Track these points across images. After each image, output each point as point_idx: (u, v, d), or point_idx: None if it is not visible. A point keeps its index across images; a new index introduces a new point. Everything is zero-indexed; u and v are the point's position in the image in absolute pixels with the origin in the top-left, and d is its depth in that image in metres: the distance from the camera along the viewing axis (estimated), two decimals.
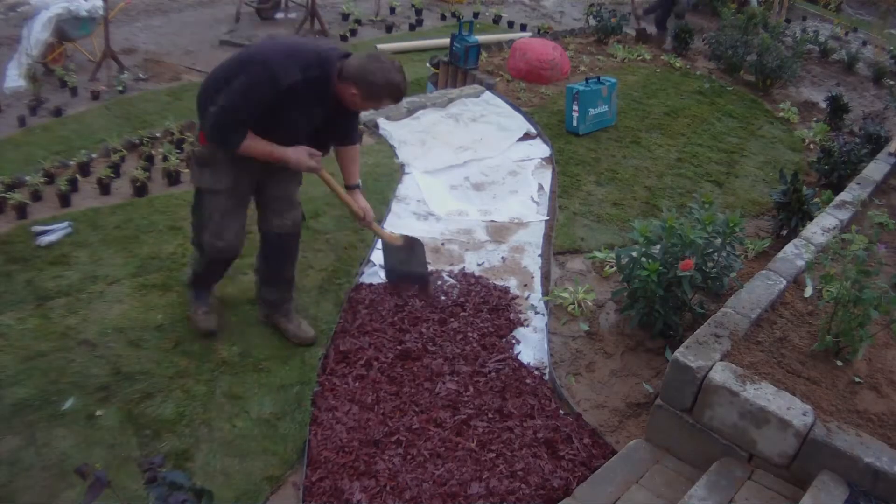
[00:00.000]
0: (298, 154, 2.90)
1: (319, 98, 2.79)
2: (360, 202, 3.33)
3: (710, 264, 3.48)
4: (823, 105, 7.46)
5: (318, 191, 4.80)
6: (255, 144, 2.82)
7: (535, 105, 6.59)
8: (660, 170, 5.56)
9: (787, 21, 10.89)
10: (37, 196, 4.61)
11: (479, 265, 4.21)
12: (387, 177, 5.11)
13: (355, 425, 2.95)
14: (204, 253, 3.12)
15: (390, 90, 2.77)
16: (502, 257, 4.32)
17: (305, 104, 2.78)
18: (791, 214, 4.50)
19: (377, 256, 4.17)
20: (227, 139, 2.79)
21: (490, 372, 3.34)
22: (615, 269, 3.88)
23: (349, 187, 3.30)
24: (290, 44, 2.90)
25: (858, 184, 4.68)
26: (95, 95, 6.81)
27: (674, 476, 2.73)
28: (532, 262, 4.30)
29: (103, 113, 6.49)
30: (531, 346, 3.57)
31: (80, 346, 3.24)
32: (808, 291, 3.32)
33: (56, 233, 4.09)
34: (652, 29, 9.25)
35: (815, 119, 7.13)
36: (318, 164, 2.97)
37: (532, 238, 4.56)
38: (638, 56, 8.29)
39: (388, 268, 3.86)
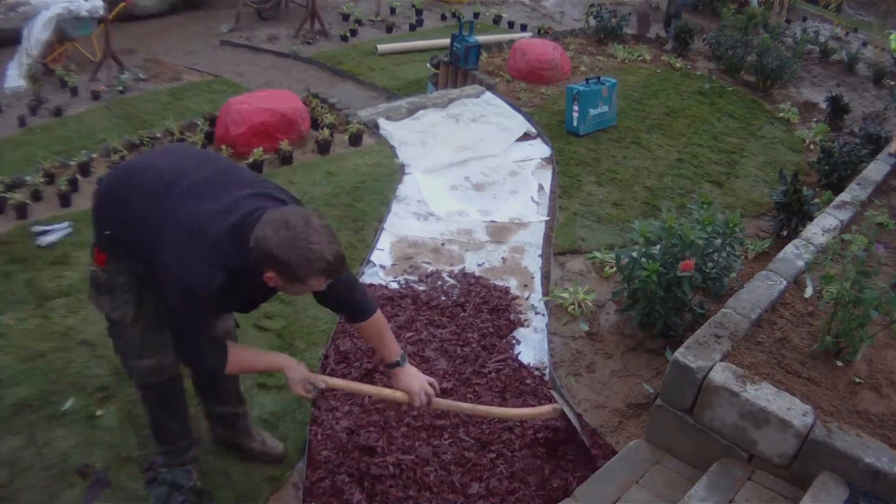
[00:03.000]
0: (296, 375, 2.29)
1: (252, 284, 2.08)
2: (409, 382, 2.47)
3: (710, 265, 3.48)
4: (824, 105, 7.46)
5: (318, 190, 4.81)
6: (242, 362, 2.27)
7: (536, 105, 6.59)
8: (660, 170, 5.56)
9: (788, 21, 10.89)
10: (37, 196, 4.61)
11: (479, 265, 4.21)
12: (387, 177, 5.11)
13: (355, 426, 2.95)
14: (136, 382, 2.47)
15: (312, 267, 1.93)
16: (502, 257, 4.32)
17: (248, 289, 2.14)
18: (791, 215, 4.49)
19: (377, 256, 4.18)
20: (211, 364, 2.21)
21: (490, 372, 3.34)
22: (615, 269, 3.88)
23: (390, 365, 2.50)
24: (207, 229, 2.00)
25: (858, 184, 4.67)
26: (96, 95, 6.81)
27: (674, 476, 2.73)
28: (532, 262, 4.30)
29: (104, 113, 6.50)
30: (531, 346, 3.57)
31: (81, 347, 3.24)
32: (809, 292, 3.32)
33: (56, 233, 4.09)
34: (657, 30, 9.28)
35: (815, 119, 7.13)
36: (312, 389, 2.32)
37: (532, 238, 4.56)
38: (638, 56, 8.29)
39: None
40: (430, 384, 2.51)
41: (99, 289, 2.30)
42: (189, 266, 1.97)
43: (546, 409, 2.84)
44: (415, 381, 2.47)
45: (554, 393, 2.93)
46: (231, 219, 2.00)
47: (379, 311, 2.43)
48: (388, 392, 2.49)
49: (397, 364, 2.47)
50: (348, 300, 2.36)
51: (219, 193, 2.07)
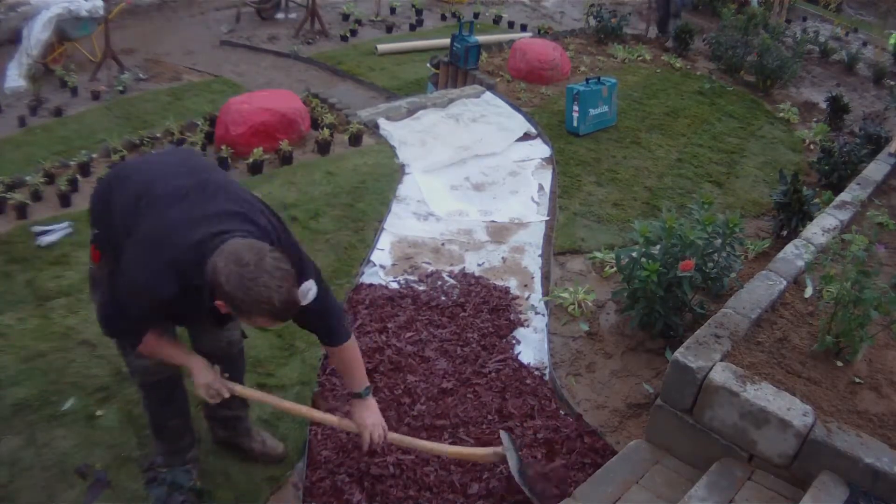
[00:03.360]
0: (201, 378, 2.26)
1: (197, 301, 2.03)
2: (364, 415, 2.44)
3: (710, 265, 3.48)
4: (824, 105, 7.46)
5: (318, 190, 4.81)
6: (157, 347, 2.22)
7: (536, 105, 6.59)
8: (660, 170, 5.56)
9: (788, 21, 10.88)
10: (37, 196, 4.61)
11: (479, 265, 4.21)
12: (387, 177, 5.11)
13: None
14: (137, 380, 2.49)
15: (257, 307, 1.88)
16: (502, 257, 4.32)
17: (201, 306, 2.05)
18: (791, 215, 4.49)
19: (377, 256, 4.18)
20: (120, 335, 2.24)
21: (490, 372, 3.34)
22: (615, 269, 3.88)
23: (353, 395, 2.48)
24: (174, 242, 1.98)
25: (858, 184, 4.67)
26: (96, 95, 6.81)
27: (674, 476, 2.73)
28: (532, 262, 4.30)
29: (104, 113, 6.49)
30: (531, 346, 3.57)
31: (81, 347, 3.24)
32: (809, 292, 3.32)
33: (56, 233, 4.09)
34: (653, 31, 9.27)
35: (815, 119, 7.12)
36: (216, 395, 2.28)
37: (532, 238, 4.56)
38: (638, 56, 8.29)
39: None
40: (383, 427, 2.47)
41: (96, 286, 2.31)
42: (146, 271, 1.97)
43: (488, 451, 2.70)
44: (371, 415, 2.45)
45: (503, 434, 2.71)
46: (195, 236, 1.97)
47: (352, 340, 2.41)
48: (332, 419, 2.49)
49: (359, 396, 2.45)
50: (321, 325, 2.33)
51: (192, 206, 2.05)
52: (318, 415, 2.53)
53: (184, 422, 2.59)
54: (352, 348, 2.42)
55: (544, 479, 2.68)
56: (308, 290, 2.05)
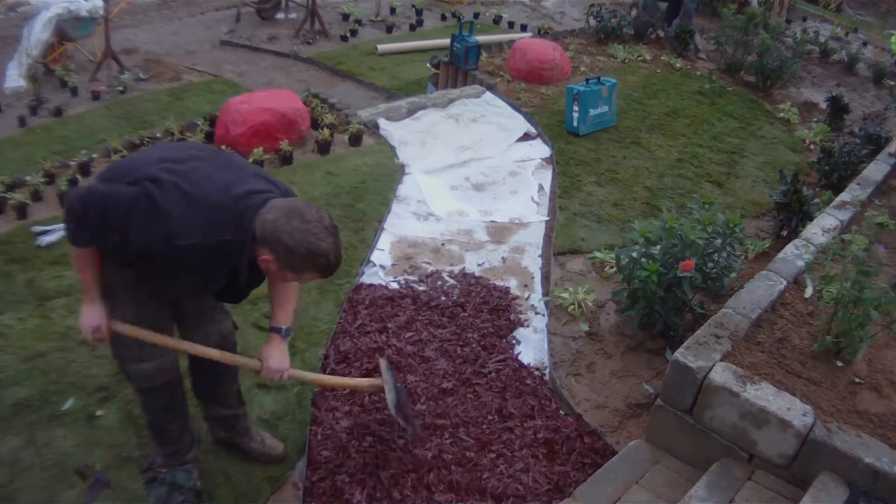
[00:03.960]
0: (85, 319, 2.21)
1: (227, 261, 2.08)
2: (270, 351, 2.39)
3: (710, 265, 3.48)
4: (824, 106, 7.46)
5: (318, 191, 4.81)
6: (84, 265, 2.19)
7: (536, 105, 6.59)
8: (660, 170, 5.56)
9: (788, 21, 10.88)
10: (37, 196, 4.61)
11: (479, 265, 4.21)
12: (387, 177, 5.11)
13: (355, 426, 2.95)
14: (136, 385, 2.45)
15: (314, 261, 2.00)
16: (502, 258, 4.32)
17: (204, 266, 2.10)
18: (791, 215, 4.49)
19: (377, 256, 4.18)
20: (73, 233, 2.13)
21: (490, 372, 3.34)
22: (615, 269, 3.88)
23: (270, 328, 2.43)
24: (208, 193, 2.02)
25: (858, 184, 4.67)
26: (96, 95, 6.81)
27: (674, 476, 2.73)
28: (532, 262, 4.30)
29: (104, 113, 6.50)
30: (531, 346, 3.57)
31: (81, 347, 3.24)
32: (809, 292, 3.32)
33: (56, 233, 4.09)
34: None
35: (815, 120, 7.12)
36: (103, 338, 2.24)
37: (532, 238, 4.56)
38: (638, 56, 8.29)
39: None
40: (290, 373, 2.45)
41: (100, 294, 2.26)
42: (183, 214, 1.97)
43: (366, 382, 2.76)
44: (279, 355, 2.40)
45: (382, 364, 2.74)
46: (234, 192, 2.02)
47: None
48: (240, 359, 2.44)
49: (277, 331, 2.40)
50: None
51: (223, 169, 2.11)
52: (240, 359, 2.45)
53: (183, 424, 2.58)
54: (296, 287, 2.42)
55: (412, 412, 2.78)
56: None
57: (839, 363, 2.88)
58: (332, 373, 3.23)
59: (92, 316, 2.21)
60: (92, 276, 2.21)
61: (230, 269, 2.10)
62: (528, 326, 3.72)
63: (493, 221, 4.72)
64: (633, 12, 9.27)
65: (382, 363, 2.78)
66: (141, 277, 2.21)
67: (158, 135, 5.64)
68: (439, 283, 3.98)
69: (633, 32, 8.89)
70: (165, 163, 2.08)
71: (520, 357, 3.49)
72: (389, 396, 2.66)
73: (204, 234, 1.99)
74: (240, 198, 2.02)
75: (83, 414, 2.89)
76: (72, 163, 5.14)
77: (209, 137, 5.62)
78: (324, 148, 5.47)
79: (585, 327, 3.68)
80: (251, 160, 5.07)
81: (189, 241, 1.97)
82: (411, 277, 4.03)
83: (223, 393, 2.64)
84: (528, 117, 6.28)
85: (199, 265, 2.08)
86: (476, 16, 10.06)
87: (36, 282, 3.67)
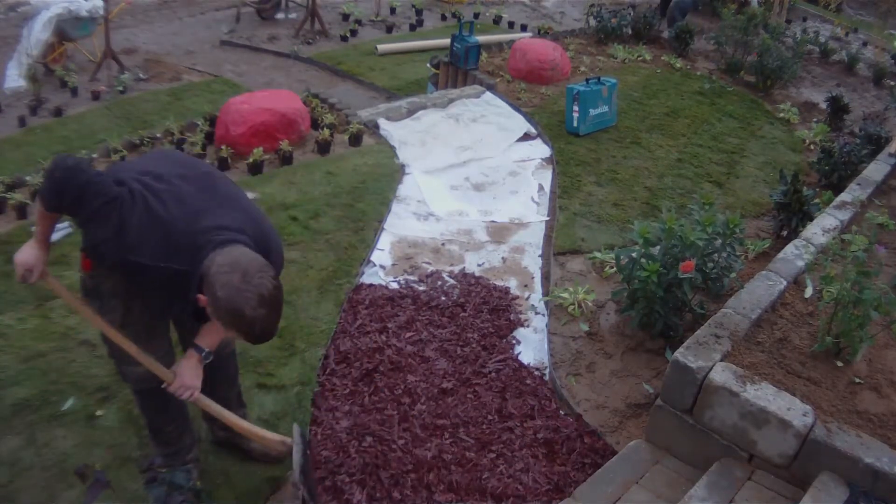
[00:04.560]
0: (22, 255, 2.18)
1: (178, 290, 2.02)
2: (185, 368, 2.28)
3: (710, 265, 3.48)
4: (824, 106, 7.46)
5: (318, 191, 4.81)
6: (43, 219, 2.18)
7: (536, 105, 6.59)
8: (660, 170, 5.56)
9: (788, 22, 10.88)
10: (37, 196, 4.61)
11: (479, 265, 4.21)
12: (387, 177, 5.11)
13: (355, 426, 2.95)
14: (132, 387, 2.47)
15: (236, 323, 1.89)
16: (502, 258, 4.32)
17: (160, 289, 2.08)
18: (791, 215, 4.49)
19: (377, 256, 4.18)
20: (45, 196, 2.09)
21: (490, 372, 3.34)
22: (615, 269, 3.88)
23: (193, 345, 2.33)
24: (174, 216, 2.00)
25: (858, 184, 4.67)
26: (96, 95, 6.82)
27: (674, 476, 2.73)
28: (532, 262, 4.30)
29: (104, 113, 6.50)
30: (531, 346, 3.57)
31: (81, 347, 3.24)
32: (809, 292, 3.32)
33: (56, 233, 4.08)
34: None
35: (815, 120, 7.13)
36: (29, 278, 2.19)
37: (532, 238, 4.56)
38: (638, 56, 8.29)
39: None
40: (196, 396, 2.34)
41: (87, 294, 2.27)
42: (141, 231, 1.95)
43: (276, 438, 2.55)
44: (192, 374, 2.30)
45: (295, 429, 2.56)
46: (203, 223, 1.99)
47: None
48: (158, 367, 2.31)
49: (200, 351, 2.30)
50: None
51: (203, 194, 2.08)
52: (156, 365, 2.30)
53: (182, 424, 2.56)
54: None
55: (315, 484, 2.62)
56: None
57: (839, 363, 2.88)
58: (332, 373, 3.23)
59: (30, 255, 2.18)
60: (46, 228, 2.20)
61: (183, 297, 2.01)
62: (528, 326, 3.72)
63: (493, 221, 4.72)
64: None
65: (295, 428, 2.58)
66: (128, 281, 2.18)
67: (158, 135, 5.64)
68: (439, 283, 3.98)
69: (630, 32, 8.89)
70: (146, 176, 2.06)
71: (520, 357, 3.49)
72: (296, 458, 2.48)
73: (155, 257, 1.96)
74: (205, 231, 1.97)
75: (83, 414, 2.89)
76: None
77: (209, 137, 5.62)
78: (324, 148, 5.47)
79: (585, 327, 3.68)
80: (251, 160, 5.07)
81: (139, 258, 1.96)
82: (411, 277, 4.03)
83: (222, 395, 2.62)
84: (528, 117, 6.28)
85: (151, 285, 2.05)
86: (476, 16, 10.06)
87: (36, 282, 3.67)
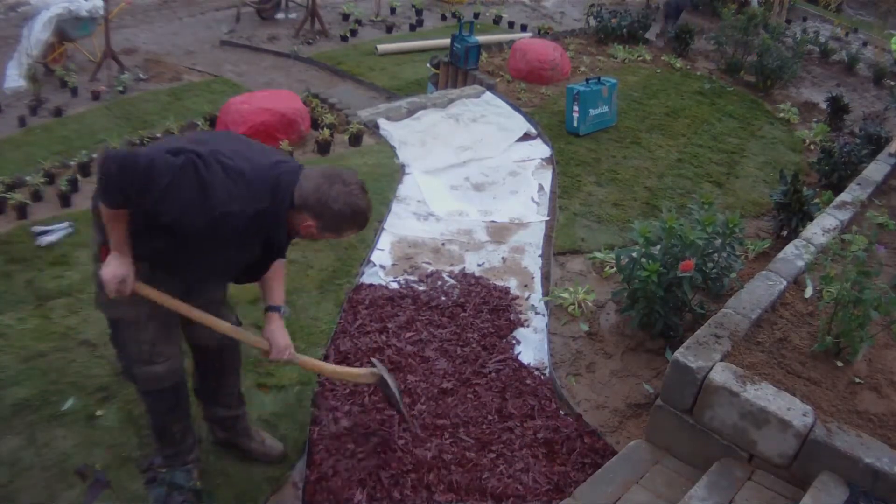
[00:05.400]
0: (111, 269, 2.12)
1: (263, 231, 2.13)
2: (273, 333, 2.41)
3: (710, 265, 3.48)
4: (824, 106, 7.46)
5: None
6: (115, 222, 2.08)
7: (536, 105, 6.59)
8: (660, 170, 5.56)
9: (788, 22, 10.89)
10: (37, 196, 4.61)
11: (479, 265, 4.21)
12: (387, 177, 5.11)
13: (356, 426, 2.95)
14: (142, 388, 2.42)
15: (355, 219, 2.16)
16: (502, 258, 4.32)
17: (242, 237, 2.10)
18: (791, 215, 4.50)
19: (377, 256, 4.18)
20: (107, 194, 2.02)
21: (490, 372, 3.34)
22: (615, 269, 3.88)
23: (268, 308, 2.44)
24: (244, 165, 2.08)
25: (859, 184, 4.67)
26: (96, 96, 6.81)
27: (674, 476, 2.73)
28: (532, 262, 4.30)
29: (104, 113, 6.50)
30: (531, 346, 3.57)
31: (81, 347, 3.24)
32: (809, 292, 3.32)
33: (56, 233, 4.09)
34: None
35: (815, 120, 7.13)
36: (125, 290, 2.15)
37: (532, 238, 4.56)
38: (638, 56, 8.29)
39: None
40: (293, 354, 2.47)
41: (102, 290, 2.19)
42: (222, 182, 2.01)
43: (365, 371, 2.80)
44: (283, 336, 2.42)
45: (374, 361, 2.83)
46: (265, 162, 2.11)
47: (284, 259, 2.46)
48: (251, 337, 2.44)
49: (276, 310, 2.42)
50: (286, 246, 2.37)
51: (245, 145, 2.20)
52: (251, 337, 2.46)
53: (186, 425, 2.57)
54: (283, 265, 2.49)
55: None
56: None
57: (839, 363, 2.88)
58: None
59: (119, 266, 2.13)
60: (123, 232, 2.13)
61: (263, 239, 2.16)
62: (528, 326, 3.72)
63: (493, 221, 4.72)
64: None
65: (376, 363, 2.81)
66: (157, 267, 2.22)
67: (158, 135, 5.63)
68: (439, 283, 3.98)
69: (625, 33, 8.86)
70: (197, 143, 2.10)
71: (520, 357, 3.49)
72: (391, 384, 2.74)
73: (244, 203, 2.03)
74: (272, 167, 2.10)
75: (83, 414, 2.89)
76: (72, 163, 5.14)
77: None
78: (324, 148, 5.47)
79: (585, 327, 3.68)
80: None
81: (231, 208, 2.01)
82: (411, 277, 4.03)
83: (226, 393, 2.66)
84: (528, 117, 6.28)
85: (235, 236, 2.08)
86: (476, 16, 10.06)
87: (36, 282, 3.67)
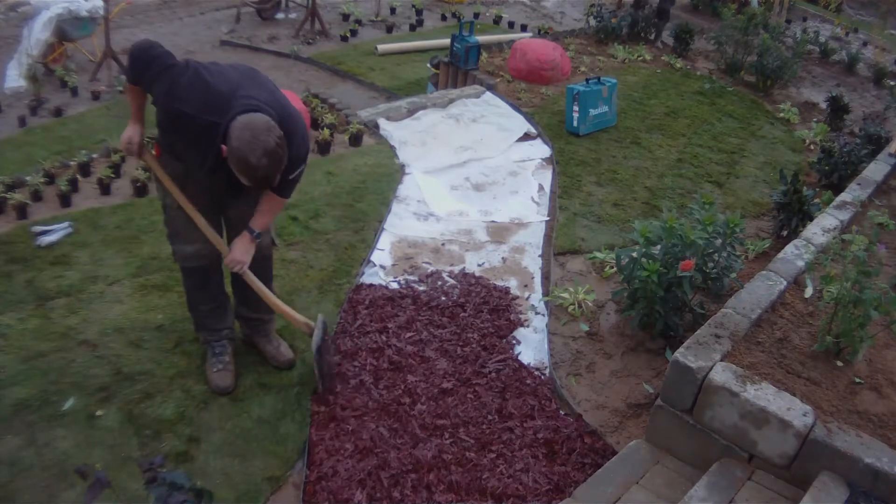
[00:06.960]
0: (125, 133, 2.86)
1: (212, 141, 2.51)
2: (235, 245, 2.84)
3: (710, 265, 3.48)
4: (824, 106, 7.46)
5: (318, 191, 4.81)
6: (132, 96, 2.85)
7: (536, 105, 6.59)
8: (660, 170, 5.56)
9: (788, 21, 10.89)
10: (37, 196, 4.61)
11: (479, 265, 4.21)
12: (387, 177, 5.11)
13: (355, 426, 2.95)
14: (180, 264, 3.00)
15: (240, 167, 2.42)
16: (503, 258, 4.32)
17: (196, 141, 2.56)
18: (791, 215, 4.49)
19: (377, 256, 4.18)
20: (126, 71, 2.79)
21: (490, 372, 3.34)
22: (615, 269, 3.88)
23: (246, 228, 2.83)
24: (218, 81, 2.56)
25: (859, 184, 4.67)
26: (96, 96, 6.81)
27: (674, 476, 2.73)
28: (532, 262, 4.30)
29: (104, 113, 6.50)
30: (531, 346, 3.57)
31: (81, 347, 3.24)
32: (809, 292, 3.32)
33: (56, 233, 4.09)
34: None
35: (815, 120, 7.13)
36: (132, 150, 2.85)
37: (532, 238, 4.55)
38: (638, 56, 8.29)
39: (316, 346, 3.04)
40: (244, 270, 2.87)
41: (154, 179, 2.86)
42: (189, 85, 2.52)
43: (301, 319, 3.04)
44: (243, 250, 2.82)
45: (319, 317, 3.06)
46: (238, 91, 2.52)
47: (283, 199, 2.84)
48: (221, 242, 2.88)
49: (251, 232, 2.81)
50: (284, 188, 2.74)
51: (245, 77, 2.63)
52: (218, 239, 2.89)
53: (214, 309, 3.08)
54: (281, 201, 2.84)
55: (329, 367, 3.11)
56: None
57: (839, 363, 2.88)
58: (337, 372, 3.23)
59: (128, 130, 2.85)
60: (137, 104, 2.85)
61: (217, 152, 2.48)
62: (528, 326, 3.72)
63: (493, 221, 4.72)
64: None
65: (319, 317, 3.06)
66: (171, 155, 2.73)
67: None
68: (439, 283, 3.98)
69: (626, 32, 8.85)
70: (205, 62, 2.63)
71: (520, 357, 3.49)
72: (315, 338, 2.97)
73: (195, 107, 2.49)
74: (238, 97, 2.49)
75: (83, 414, 2.89)
76: (72, 163, 5.13)
77: None
78: (324, 148, 5.46)
79: (585, 327, 3.68)
80: None
81: (183, 108, 2.50)
82: (411, 277, 4.03)
83: (253, 298, 3.04)
84: (528, 117, 6.28)
85: (192, 137, 2.55)
86: (476, 16, 10.06)
87: (36, 282, 3.67)
